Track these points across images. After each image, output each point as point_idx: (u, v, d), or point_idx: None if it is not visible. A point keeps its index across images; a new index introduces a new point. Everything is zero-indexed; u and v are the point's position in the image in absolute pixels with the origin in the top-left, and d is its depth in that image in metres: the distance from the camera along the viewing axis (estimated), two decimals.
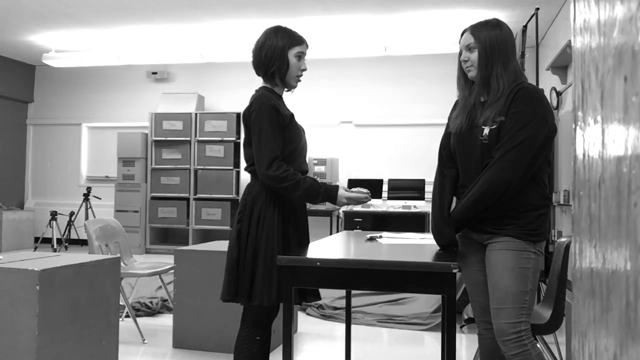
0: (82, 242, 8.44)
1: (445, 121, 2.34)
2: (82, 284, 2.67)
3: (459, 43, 2.23)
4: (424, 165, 7.93)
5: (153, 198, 8.32)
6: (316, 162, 7.92)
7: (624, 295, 0.73)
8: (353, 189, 2.35)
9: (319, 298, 2.43)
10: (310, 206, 7.24)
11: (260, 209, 2.28)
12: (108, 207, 8.67)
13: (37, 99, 9.55)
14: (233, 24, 6.92)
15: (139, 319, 4.24)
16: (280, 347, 2.96)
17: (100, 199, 8.74)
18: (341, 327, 4.30)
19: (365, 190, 2.35)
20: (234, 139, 8.10)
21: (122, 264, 4.02)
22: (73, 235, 8.58)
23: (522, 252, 2.06)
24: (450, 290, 1.86)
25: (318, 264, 1.97)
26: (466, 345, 3.83)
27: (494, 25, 2.16)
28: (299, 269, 1.99)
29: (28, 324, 2.38)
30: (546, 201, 2.12)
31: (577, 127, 1.01)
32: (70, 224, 8.38)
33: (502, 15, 6.28)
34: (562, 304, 2.62)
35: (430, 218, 2.39)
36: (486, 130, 2.09)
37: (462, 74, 2.24)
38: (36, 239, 8.66)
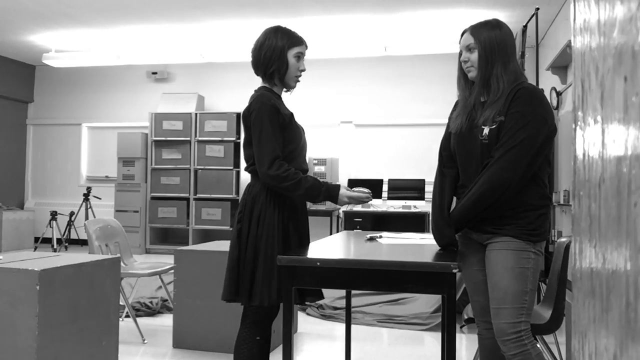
0: (82, 242, 8.44)
1: (445, 121, 2.34)
2: (82, 284, 2.67)
3: (459, 43, 2.23)
4: (424, 165, 7.93)
5: (153, 198, 8.32)
6: (316, 162, 7.92)
7: (624, 295, 0.73)
8: (355, 189, 2.35)
9: (322, 297, 2.43)
10: (310, 206, 7.24)
11: (261, 208, 2.28)
12: (108, 207, 8.67)
13: (37, 99, 9.55)
14: (233, 24, 6.92)
15: (139, 319, 4.24)
16: (280, 347, 2.96)
17: (100, 199, 8.74)
18: (341, 327, 4.30)
19: (366, 190, 2.35)
20: (234, 139, 8.10)
21: (122, 264, 4.02)
22: (73, 235, 8.59)
23: (522, 252, 2.06)
24: (450, 290, 1.86)
25: (318, 264, 1.97)
26: (466, 345, 3.83)
27: (494, 25, 2.16)
28: (299, 269, 1.99)
29: (28, 324, 2.38)
30: (546, 201, 2.12)
31: (577, 127, 1.01)
32: (70, 224, 8.38)
33: (502, 15, 6.28)
34: (562, 304, 2.62)
35: (430, 218, 2.39)
36: (486, 130, 2.09)
37: (462, 75, 2.24)
38: (36, 239, 8.66)
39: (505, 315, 2.05)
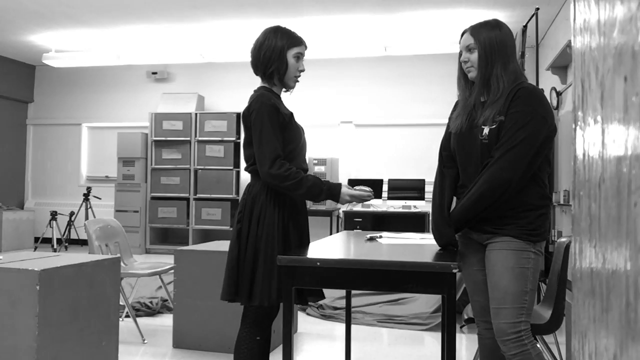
0: (82, 242, 8.44)
1: (445, 121, 2.34)
2: (82, 284, 2.67)
3: (459, 44, 2.23)
4: (424, 165, 7.93)
5: (153, 198, 8.32)
6: (316, 162, 7.92)
7: (624, 295, 0.73)
8: (356, 187, 2.35)
9: (323, 297, 2.43)
10: (310, 206, 7.24)
11: (261, 208, 2.28)
12: (108, 207, 8.67)
13: (37, 99, 9.55)
14: (233, 24, 6.92)
15: (139, 319, 4.24)
16: (280, 347, 2.96)
17: (100, 199, 8.74)
18: (341, 327, 4.30)
19: (367, 189, 2.34)
20: (234, 139, 8.10)
21: (122, 264, 4.02)
22: (73, 235, 8.59)
23: (522, 252, 2.06)
24: (450, 290, 1.86)
25: (318, 264, 1.97)
26: (466, 345, 3.83)
27: (494, 25, 2.16)
28: (299, 269, 1.99)
29: (28, 324, 2.38)
30: (546, 201, 2.12)
31: (577, 127, 1.01)
32: (70, 224, 8.38)
33: (502, 15, 6.28)
34: (562, 304, 2.62)
35: (430, 218, 2.39)
36: (486, 130, 2.10)
37: (462, 75, 2.24)
38: (36, 239, 8.66)
39: (505, 315, 2.05)
